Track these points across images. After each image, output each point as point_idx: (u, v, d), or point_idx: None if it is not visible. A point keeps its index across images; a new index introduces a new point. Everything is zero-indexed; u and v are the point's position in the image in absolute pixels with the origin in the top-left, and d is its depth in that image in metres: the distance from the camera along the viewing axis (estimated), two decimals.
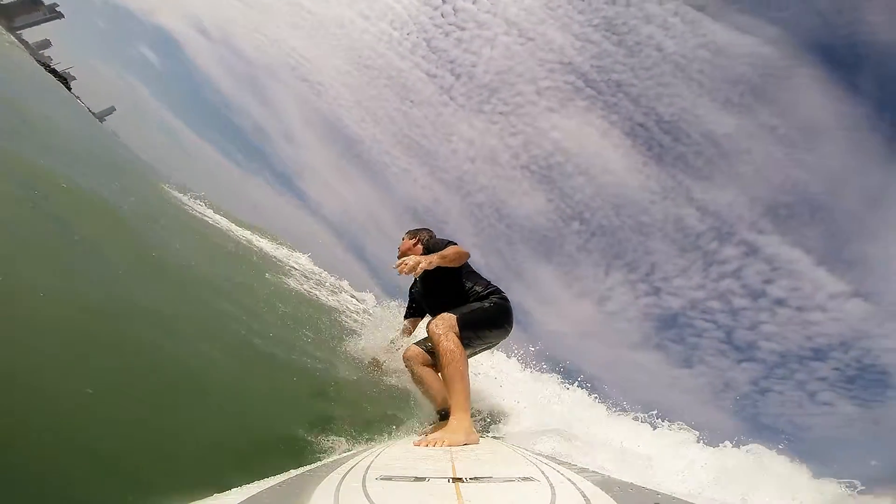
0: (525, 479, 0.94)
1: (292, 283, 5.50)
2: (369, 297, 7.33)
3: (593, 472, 1.06)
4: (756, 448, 2.73)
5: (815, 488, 2.45)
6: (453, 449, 1.58)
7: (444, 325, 2.16)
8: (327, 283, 7.28)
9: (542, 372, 3.92)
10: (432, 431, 2.02)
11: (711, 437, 2.83)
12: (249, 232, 8.86)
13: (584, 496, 0.79)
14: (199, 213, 7.74)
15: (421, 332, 3.08)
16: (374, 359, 3.04)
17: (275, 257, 7.38)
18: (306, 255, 8.71)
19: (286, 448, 1.57)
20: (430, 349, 2.32)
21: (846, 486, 2.35)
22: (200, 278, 3.09)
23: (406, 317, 3.10)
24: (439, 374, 2.29)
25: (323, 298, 5.88)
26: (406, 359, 2.53)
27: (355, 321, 4.79)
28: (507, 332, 2.57)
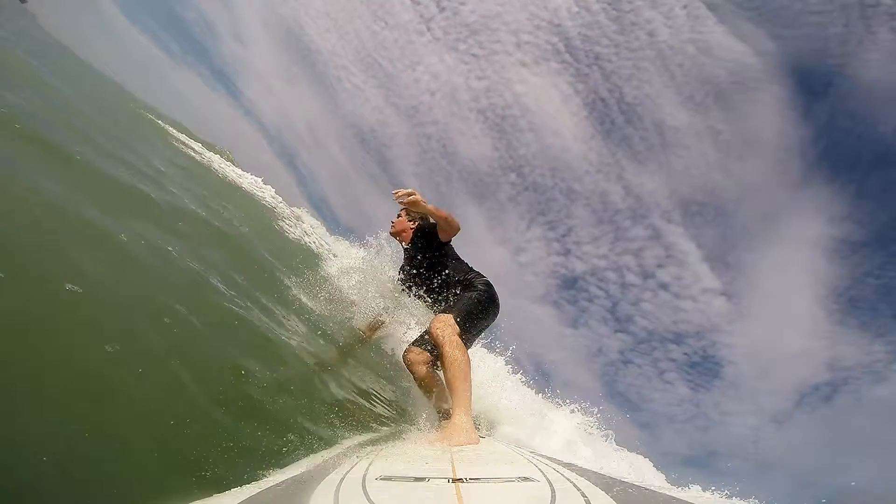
0: (525, 479, 0.94)
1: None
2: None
3: (593, 472, 1.06)
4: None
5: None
6: (453, 449, 1.59)
7: (446, 329, 2.18)
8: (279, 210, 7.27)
9: None
10: (433, 432, 2.02)
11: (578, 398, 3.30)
12: (175, 130, 8.34)
13: (584, 496, 0.79)
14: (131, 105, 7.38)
15: (408, 325, 3.19)
16: (361, 331, 3.14)
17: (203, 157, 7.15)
18: (229, 165, 8.44)
19: (286, 448, 1.57)
20: (430, 348, 2.35)
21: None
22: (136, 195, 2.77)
23: (394, 287, 3.12)
24: (440, 373, 2.31)
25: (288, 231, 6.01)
26: (407, 361, 2.53)
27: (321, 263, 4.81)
28: (496, 315, 2.65)
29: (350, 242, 7.34)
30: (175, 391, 1.56)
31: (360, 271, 3.37)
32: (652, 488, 0.86)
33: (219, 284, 2.33)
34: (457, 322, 2.27)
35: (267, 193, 8.19)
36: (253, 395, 1.97)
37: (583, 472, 1.02)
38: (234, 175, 7.77)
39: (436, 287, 2.68)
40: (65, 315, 1.41)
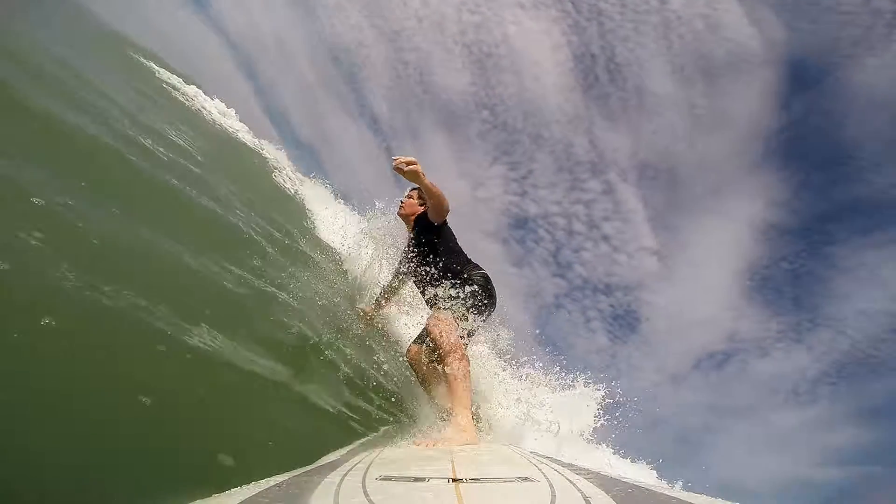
0: (525, 479, 0.94)
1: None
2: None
3: (593, 472, 1.05)
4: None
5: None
6: (453, 449, 1.58)
7: (444, 328, 2.15)
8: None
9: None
10: (433, 432, 2.02)
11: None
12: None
13: (584, 496, 0.79)
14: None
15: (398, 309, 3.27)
16: (363, 312, 3.10)
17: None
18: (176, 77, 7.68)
19: (285, 448, 1.57)
20: (432, 346, 2.33)
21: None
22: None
23: (394, 274, 3.06)
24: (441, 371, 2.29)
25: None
26: (410, 359, 2.53)
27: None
28: (494, 309, 2.60)
29: (329, 191, 7.20)
30: (174, 390, 1.55)
31: (370, 242, 3.34)
32: (652, 488, 0.86)
33: (213, 266, 2.31)
34: (455, 320, 2.24)
35: (241, 130, 7.81)
36: (252, 394, 1.97)
37: (583, 472, 1.02)
38: (209, 109, 7.33)
39: (432, 279, 2.60)
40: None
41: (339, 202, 7.01)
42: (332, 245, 4.78)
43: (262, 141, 8.31)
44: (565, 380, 2.98)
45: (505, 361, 3.09)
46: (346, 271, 3.79)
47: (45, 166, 1.99)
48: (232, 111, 8.27)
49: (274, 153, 8.08)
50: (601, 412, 2.80)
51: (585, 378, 2.99)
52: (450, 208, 2.56)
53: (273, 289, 2.64)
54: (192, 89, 7.54)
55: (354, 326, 2.95)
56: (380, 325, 3.21)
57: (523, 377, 2.98)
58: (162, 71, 7.28)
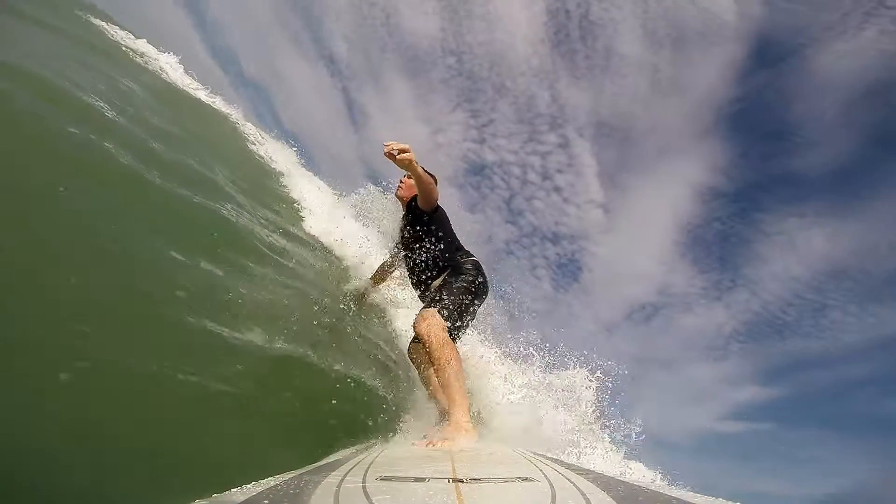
0: (525, 479, 0.94)
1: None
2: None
3: (593, 472, 1.05)
4: None
5: None
6: (453, 449, 1.58)
7: (431, 326, 2.08)
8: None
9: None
10: (433, 432, 2.02)
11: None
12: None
13: (584, 496, 0.79)
14: None
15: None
16: (358, 292, 3.14)
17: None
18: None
19: (285, 448, 1.57)
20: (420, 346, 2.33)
21: None
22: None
23: (390, 253, 3.03)
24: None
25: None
26: (411, 357, 2.52)
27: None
28: (486, 297, 2.55)
29: (295, 153, 6.80)
30: (172, 389, 1.56)
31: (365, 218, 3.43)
32: (652, 488, 0.86)
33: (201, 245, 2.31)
34: (443, 315, 2.16)
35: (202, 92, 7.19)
36: (251, 393, 1.97)
37: (583, 472, 1.02)
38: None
39: (421, 269, 2.53)
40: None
41: (309, 171, 6.73)
42: (311, 222, 4.66)
43: (218, 98, 7.63)
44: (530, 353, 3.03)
45: (490, 344, 3.13)
46: (336, 256, 3.79)
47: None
48: (181, 66, 7.34)
49: (232, 111, 7.53)
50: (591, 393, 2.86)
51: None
52: (437, 198, 2.49)
53: (265, 279, 2.64)
54: (142, 43, 7.00)
55: (350, 311, 2.96)
56: (375, 302, 3.24)
57: (505, 355, 3.03)
58: (111, 27, 6.64)
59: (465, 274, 2.43)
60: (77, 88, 2.84)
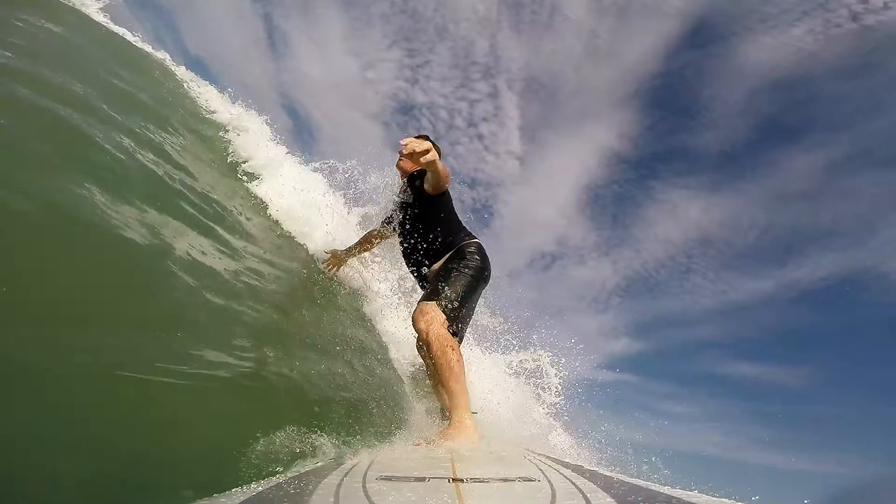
0: (525, 479, 0.94)
1: None
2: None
3: (593, 471, 1.06)
4: None
5: None
6: (453, 449, 1.58)
7: (431, 323, 1.97)
8: None
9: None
10: (434, 431, 2.02)
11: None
12: None
13: (584, 496, 0.79)
14: None
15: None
16: (334, 253, 3.07)
17: None
18: None
19: (285, 448, 1.57)
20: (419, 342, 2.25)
21: None
22: None
23: (382, 223, 2.82)
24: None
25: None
26: (421, 353, 2.45)
27: None
28: (488, 282, 2.37)
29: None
30: (171, 388, 1.55)
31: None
32: (653, 488, 0.86)
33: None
34: (444, 309, 2.03)
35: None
36: (251, 393, 1.97)
37: (583, 472, 1.02)
38: None
39: (420, 247, 2.37)
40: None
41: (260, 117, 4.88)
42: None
43: (136, 33, 5.97)
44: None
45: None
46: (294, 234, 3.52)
47: None
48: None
49: (160, 55, 5.97)
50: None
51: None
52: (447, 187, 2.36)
53: (241, 267, 2.51)
54: None
55: (319, 279, 2.95)
56: (354, 271, 3.19)
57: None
58: None
59: (468, 258, 2.25)
60: None
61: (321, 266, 3.15)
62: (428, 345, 1.95)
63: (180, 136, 3.33)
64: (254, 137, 4.13)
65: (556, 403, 3.23)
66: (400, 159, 2.59)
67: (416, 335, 2.43)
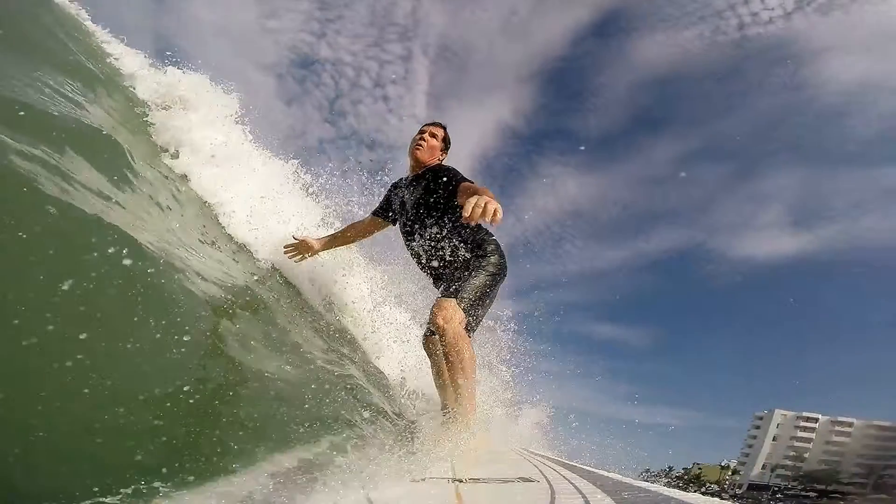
0: (525, 479, 0.95)
1: None
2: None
3: (593, 472, 1.06)
4: None
5: None
6: (454, 449, 1.59)
7: (449, 320, 1.94)
8: None
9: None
10: (435, 431, 2.02)
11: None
12: None
13: (584, 496, 0.79)
14: None
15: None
16: (305, 241, 2.57)
17: None
18: None
19: (285, 447, 1.57)
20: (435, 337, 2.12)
21: None
22: None
23: (373, 213, 2.60)
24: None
25: None
26: (428, 350, 2.42)
27: None
28: (505, 279, 2.29)
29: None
30: (170, 387, 1.56)
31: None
32: (652, 488, 0.87)
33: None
34: (462, 308, 2.00)
35: None
36: (250, 393, 1.97)
37: (582, 473, 1.03)
38: None
39: (433, 244, 2.23)
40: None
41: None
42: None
43: None
44: None
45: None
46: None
47: None
48: None
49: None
50: None
51: None
52: None
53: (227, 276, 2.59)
54: None
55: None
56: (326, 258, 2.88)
57: None
58: None
59: (490, 256, 2.17)
60: None
61: (284, 251, 2.62)
62: (445, 341, 1.93)
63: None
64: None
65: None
66: (418, 147, 2.31)
67: (432, 330, 2.39)
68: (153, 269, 1.71)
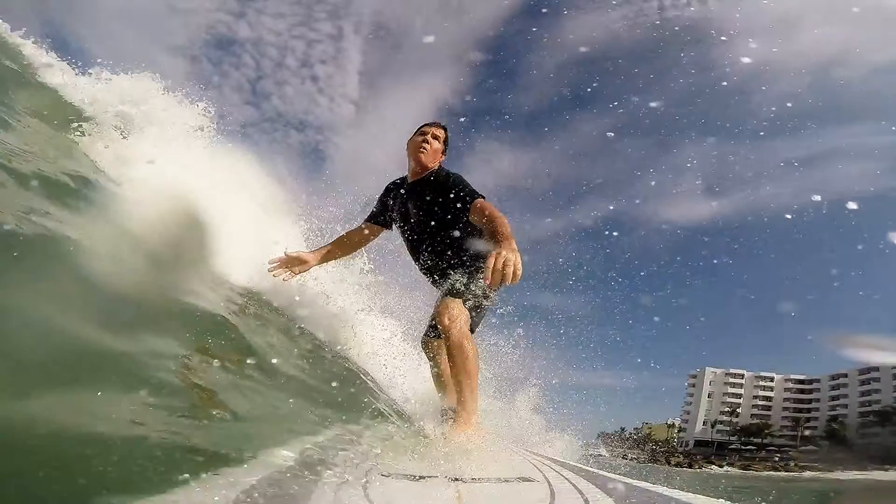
0: (524, 479, 0.95)
1: None
2: None
3: (592, 472, 1.06)
4: None
5: None
6: (454, 449, 1.59)
7: (455, 319, 1.94)
8: None
9: None
10: (435, 430, 2.01)
11: None
12: None
13: (584, 496, 0.79)
14: None
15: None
16: (298, 256, 2.31)
17: None
18: None
19: (285, 447, 1.57)
20: (439, 334, 2.11)
21: None
22: None
23: (367, 220, 2.46)
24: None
25: None
26: (428, 352, 2.41)
27: None
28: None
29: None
30: (170, 387, 1.55)
31: None
32: (652, 488, 0.87)
33: None
34: (467, 307, 2.01)
35: None
36: (250, 393, 1.97)
37: (582, 473, 1.03)
38: None
39: (435, 251, 2.22)
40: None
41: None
42: None
43: None
44: None
45: None
46: None
47: None
48: None
49: None
50: None
51: None
52: None
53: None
54: None
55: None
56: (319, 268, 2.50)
57: None
58: None
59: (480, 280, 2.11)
60: None
61: (270, 269, 2.33)
62: (450, 340, 1.92)
63: None
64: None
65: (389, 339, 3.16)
66: (421, 151, 2.18)
67: (431, 332, 2.40)
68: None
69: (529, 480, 0.94)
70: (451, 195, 2.10)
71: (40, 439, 1.08)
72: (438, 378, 2.37)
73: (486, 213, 1.92)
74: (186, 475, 1.23)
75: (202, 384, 1.62)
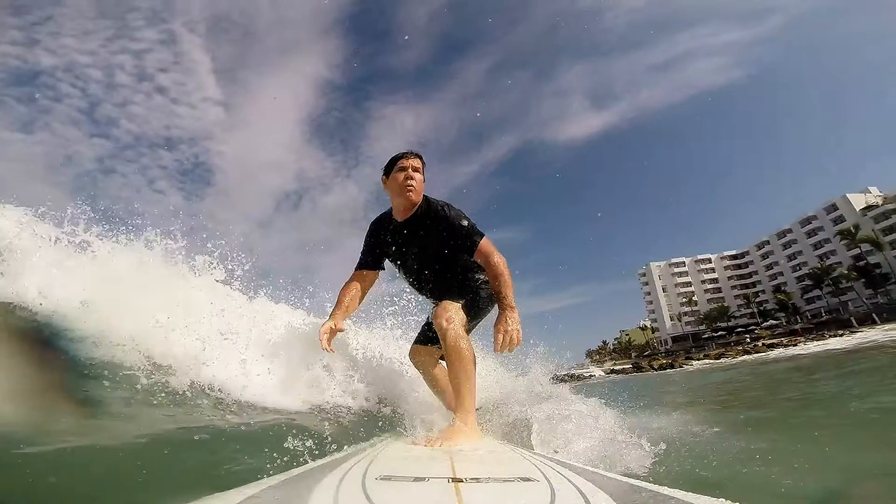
0: (525, 479, 0.94)
1: None
2: None
3: (593, 471, 1.06)
4: None
5: None
6: (453, 449, 1.58)
7: (453, 320, 1.98)
8: None
9: None
10: (434, 431, 2.01)
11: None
12: None
13: (584, 496, 0.79)
14: None
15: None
16: (337, 328, 2.18)
17: None
18: None
19: (284, 447, 1.57)
20: (433, 338, 2.18)
21: None
22: None
23: (359, 266, 2.38)
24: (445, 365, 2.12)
25: None
26: (416, 362, 2.45)
27: None
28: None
29: None
30: (173, 391, 1.56)
31: None
32: (652, 488, 0.86)
33: None
34: (464, 310, 2.06)
35: None
36: (250, 393, 1.97)
37: (583, 472, 1.02)
38: None
39: (429, 283, 2.31)
40: None
41: None
42: None
43: None
44: None
45: None
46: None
47: None
48: None
49: None
50: None
51: None
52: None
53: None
54: None
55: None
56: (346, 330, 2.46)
57: None
58: None
59: (481, 292, 2.24)
60: None
61: (324, 345, 2.12)
62: (447, 340, 1.95)
63: None
64: None
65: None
66: (409, 190, 2.12)
67: (419, 341, 2.43)
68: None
69: (529, 480, 0.93)
70: (456, 236, 2.11)
71: None
72: (434, 384, 2.40)
73: (492, 264, 2.05)
74: (190, 479, 1.23)
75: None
